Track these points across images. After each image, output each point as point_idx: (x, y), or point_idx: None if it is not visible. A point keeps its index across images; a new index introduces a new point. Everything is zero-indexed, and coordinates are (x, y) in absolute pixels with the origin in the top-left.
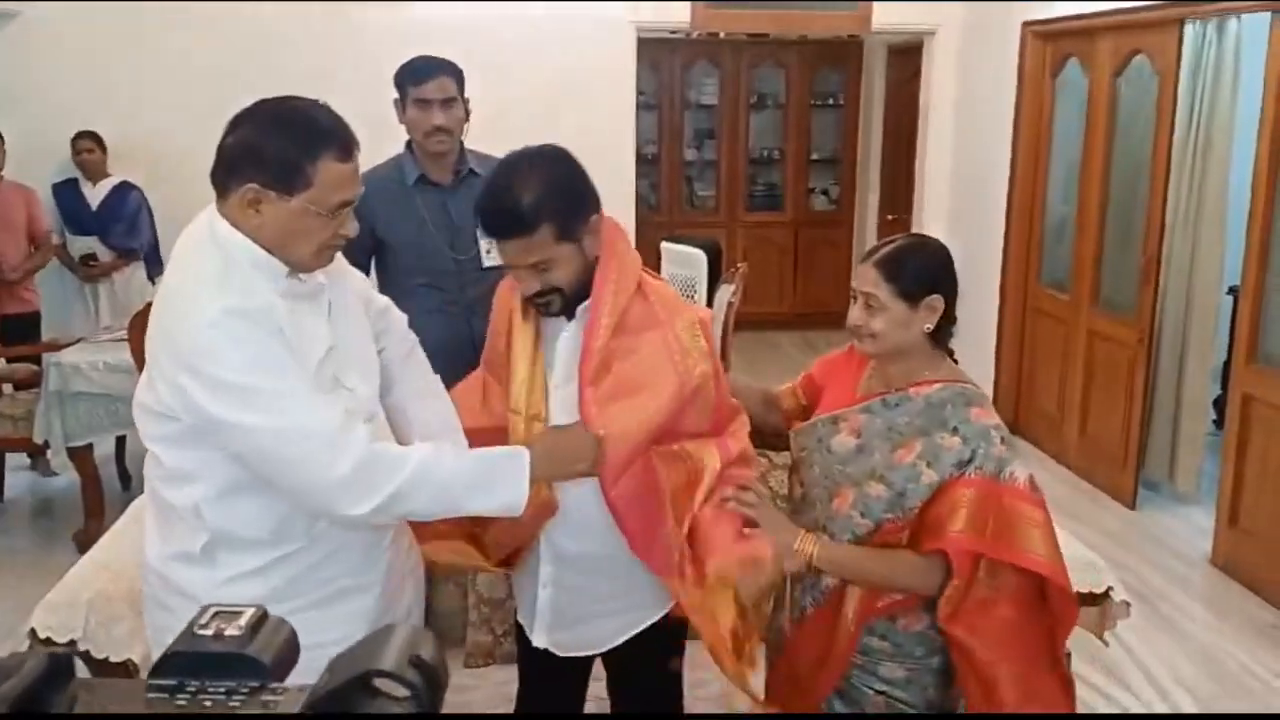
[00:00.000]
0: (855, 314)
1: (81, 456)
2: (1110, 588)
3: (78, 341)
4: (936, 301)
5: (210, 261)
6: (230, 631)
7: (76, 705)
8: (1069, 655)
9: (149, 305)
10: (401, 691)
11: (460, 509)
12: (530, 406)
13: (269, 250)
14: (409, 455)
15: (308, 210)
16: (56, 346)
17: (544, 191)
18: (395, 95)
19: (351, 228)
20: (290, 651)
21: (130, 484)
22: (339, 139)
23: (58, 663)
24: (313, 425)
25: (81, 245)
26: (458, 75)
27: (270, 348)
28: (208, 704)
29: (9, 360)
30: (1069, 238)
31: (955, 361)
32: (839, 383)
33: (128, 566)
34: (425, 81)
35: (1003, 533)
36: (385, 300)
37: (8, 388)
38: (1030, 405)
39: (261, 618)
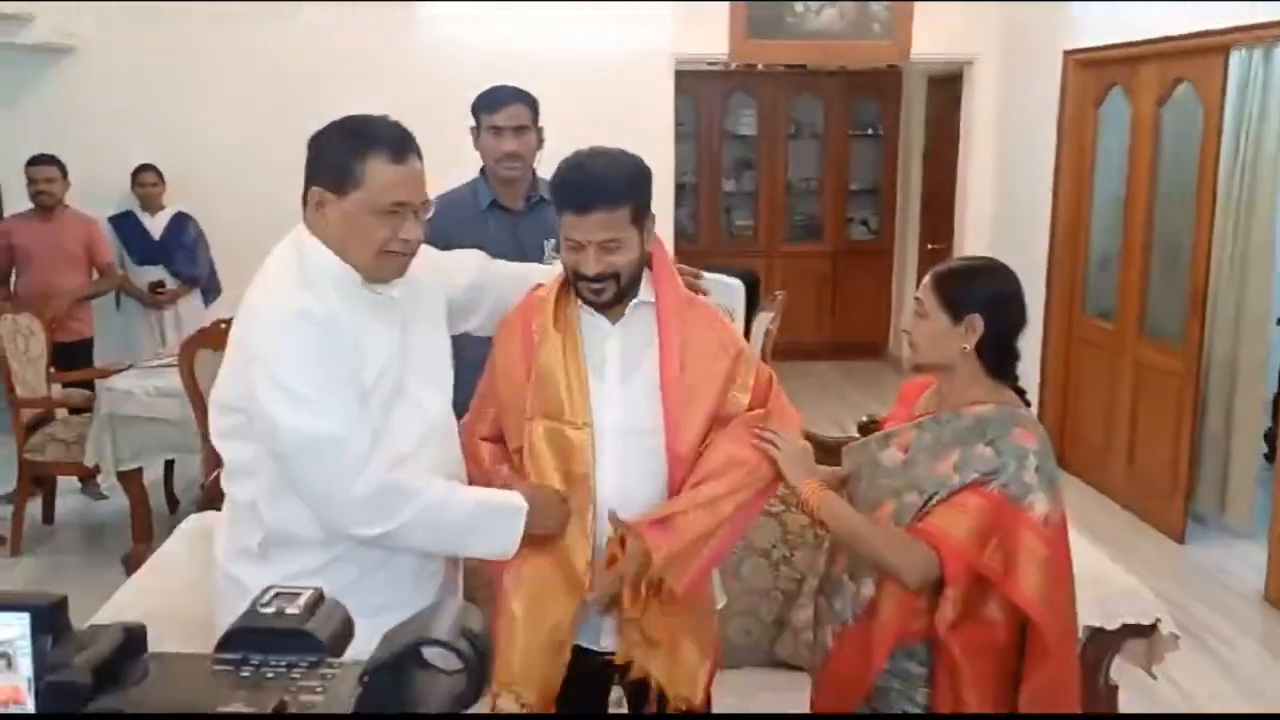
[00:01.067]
0: (906, 318)
1: (131, 480)
2: (1158, 619)
3: (129, 367)
4: (976, 322)
5: (290, 265)
6: (290, 610)
7: (149, 675)
8: (1116, 688)
9: (200, 332)
10: (454, 662)
11: (455, 551)
12: (576, 414)
13: (341, 255)
14: (421, 492)
15: (360, 209)
16: (108, 372)
17: (629, 172)
18: (465, 124)
19: (411, 232)
20: (346, 630)
21: (178, 508)
22: (389, 141)
23: (132, 635)
24: (344, 441)
25: (146, 274)
26: (532, 104)
27: (328, 356)
28: (270, 676)
29: (63, 385)
30: (1114, 267)
31: (1027, 403)
32: (905, 408)
33: (173, 588)
34: (499, 109)
35: (1004, 558)
36: (473, 264)
37: (61, 412)
38: (1076, 436)
39: (319, 598)
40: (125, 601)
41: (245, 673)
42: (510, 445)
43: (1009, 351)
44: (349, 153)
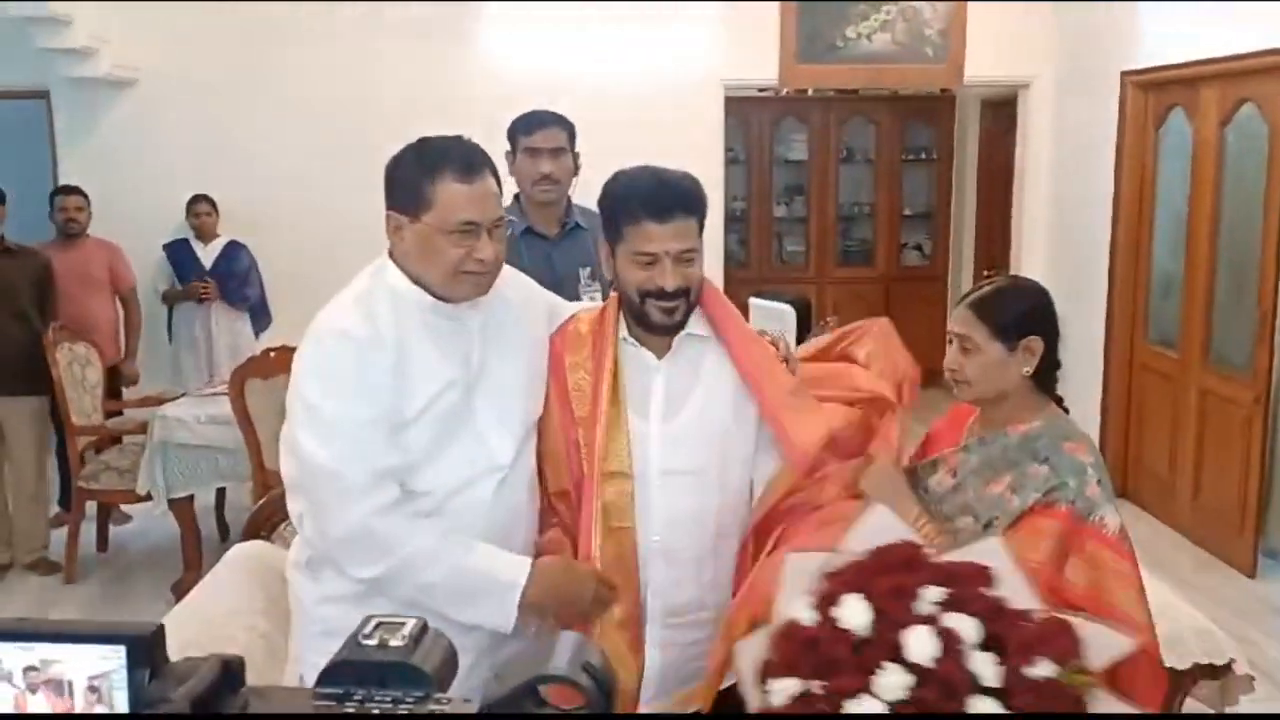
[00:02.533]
0: (950, 357)
1: (182, 508)
2: (1232, 660)
3: (182, 395)
4: (1035, 343)
5: (355, 286)
6: (394, 642)
7: (247, 708)
8: None
9: (250, 361)
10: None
11: (446, 616)
12: (614, 463)
13: (420, 278)
14: (403, 546)
15: (433, 231)
16: (160, 401)
17: (697, 184)
18: (507, 148)
19: (485, 251)
20: (451, 661)
21: (228, 535)
22: (459, 160)
23: (230, 667)
24: (337, 475)
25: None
26: (569, 128)
27: (355, 379)
28: (375, 711)
29: (106, 414)
30: (1177, 293)
31: (1066, 411)
32: (950, 435)
33: (218, 615)
34: (535, 131)
35: (1087, 580)
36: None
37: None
38: (1139, 468)
39: (423, 629)
40: (169, 629)
41: (349, 708)
42: (550, 489)
43: (1054, 364)
44: (419, 175)
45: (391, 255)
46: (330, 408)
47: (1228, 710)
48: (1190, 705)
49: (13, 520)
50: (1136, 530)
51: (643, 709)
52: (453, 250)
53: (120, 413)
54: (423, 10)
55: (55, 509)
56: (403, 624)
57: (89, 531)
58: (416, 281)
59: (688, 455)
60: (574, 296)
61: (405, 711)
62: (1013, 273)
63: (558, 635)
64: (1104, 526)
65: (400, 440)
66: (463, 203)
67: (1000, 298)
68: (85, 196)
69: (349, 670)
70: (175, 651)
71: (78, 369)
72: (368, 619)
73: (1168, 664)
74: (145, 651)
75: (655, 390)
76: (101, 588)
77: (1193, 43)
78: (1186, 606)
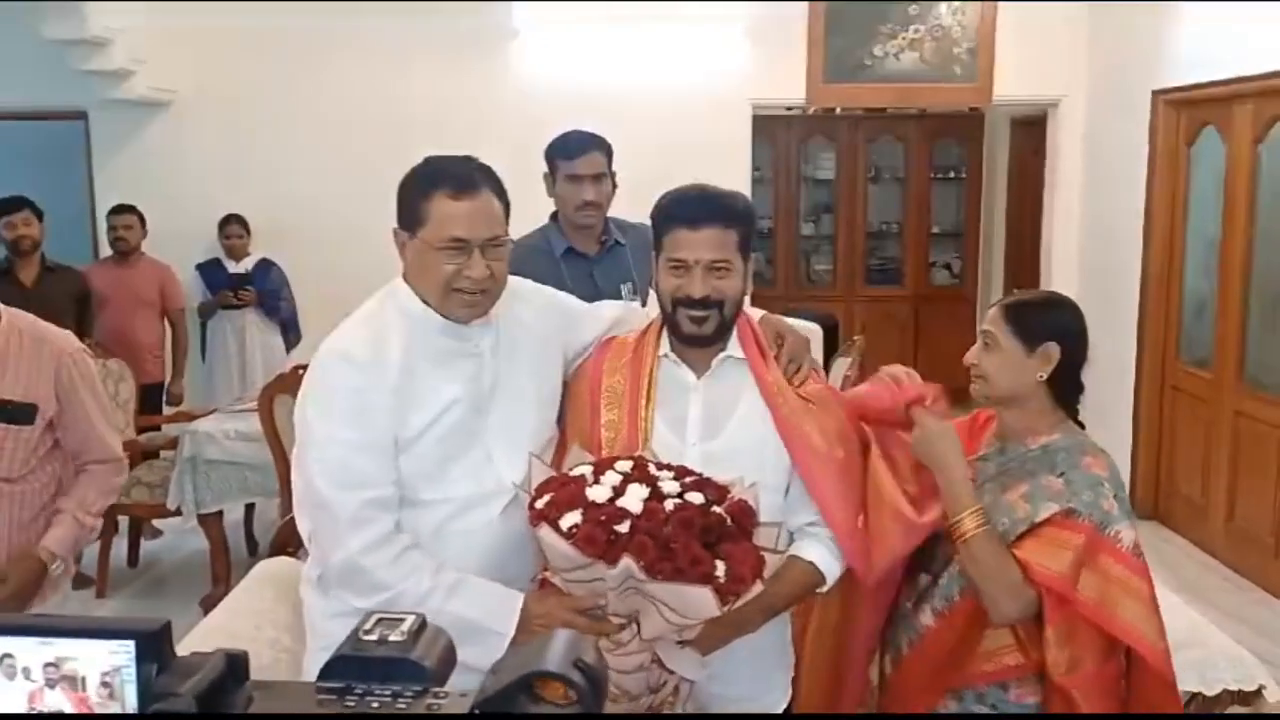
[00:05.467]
0: (972, 352)
1: (211, 523)
2: (1262, 686)
3: (212, 412)
4: (1053, 349)
5: (366, 307)
6: (394, 637)
7: (252, 705)
8: None
9: (279, 378)
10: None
11: None
12: None
13: (423, 297)
14: (392, 584)
15: (425, 247)
16: (191, 416)
17: (741, 200)
18: (544, 169)
19: (475, 270)
20: (449, 657)
21: (257, 550)
22: (453, 178)
23: (235, 663)
24: (331, 499)
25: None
26: (607, 150)
27: (349, 402)
28: (375, 705)
29: (138, 431)
30: (1210, 313)
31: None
32: (967, 441)
33: (242, 631)
34: (577, 157)
35: (1097, 592)
36: (608, 315)
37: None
38: (1172, 490)
39: (422, 624)
40: (194, 645)
41: (350, 702)
42: None
43: (1076, 384)
44: (417, 192)
45: (405, 276)
46: (323, 430)
47: None
48: None
49: None
50: (1168, 553)
51: None
52: (444, 267)
53: (158, 428)
54: (455, 29)
55: None
56: (402, 620)
57: (120, 546)
58: (426, 301)
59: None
60: None
61: (403, 706)
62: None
63: (554, 635)
64: (1119, 541)
65: (402, 460)
66: (452, 219)
67: (1029, 301)
68: (139, 215)
69: (350, 665)
70: None
71: (111, 385)
72: (368, 615)
73: (1196, 689)
74: (154, 647)
75: (693, 410)
76: (132, 602)
77: (1225, 61)
78: (1217, 631)
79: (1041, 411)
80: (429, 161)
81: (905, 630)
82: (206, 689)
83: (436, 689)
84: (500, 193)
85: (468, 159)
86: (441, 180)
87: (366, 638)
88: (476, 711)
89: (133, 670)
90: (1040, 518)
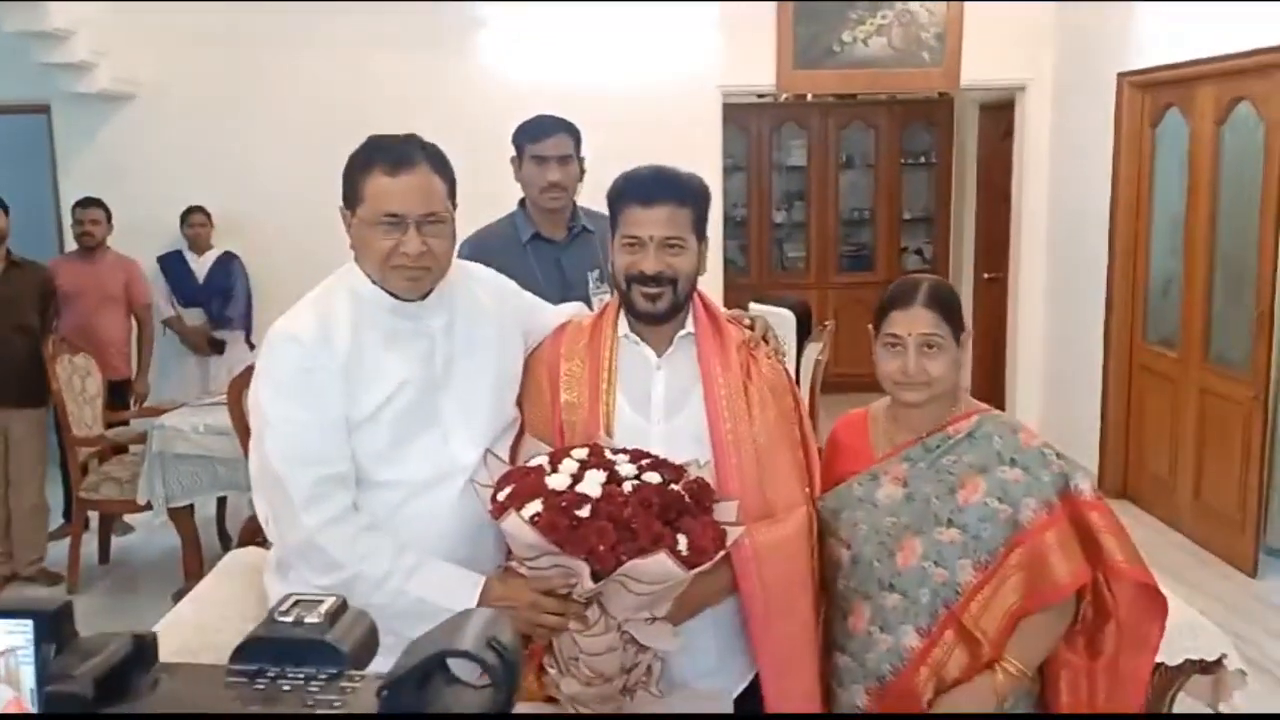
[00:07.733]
0: (913, 362)
1: (182, 517)
2: (1224, 655)
3: (180, 406)
4: (967, 333)
5: (321, 288)
6: (310, 619)
7: (158, 687)
8: None
9: (247, 370)
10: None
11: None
12: None
13: (370, 274)
14: (351, 562)
15: (363, 223)
16: (158, 411)
17: (695, 180)
18: (512, 153)
19: (411, 245)
20: (370, 640)
21: (229, 545)
22: (389, 155)
23: (142, 644)
24: (285, 476)
25: (190, 316)
26: (575, 134)
27: (299, 382)
28: (286, 689)
29: (106, 425)
30: (1175, 292)
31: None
32: (848, 448)
33: (210, 621)
34: (543, 139)
35: (1089, 547)
36: (562, 312)
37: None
38: (1140, 468)
39: (341, 607)
40: (161, 635)
41: (260, 684)
42: None
43: None
44: (356, 170)
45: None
46: (274, 410)
47: (1221, 708)
48: (1185, 703)
49: (13, 532)
50: (1136, 530)
51: None
52: (380, 242)
53: (126, 423)
54: (420, 20)
55: (59, 520)
56: (320, 601)
57: (91, 543)
58: (375, 281)
59: (687, 454)
60: (584, 300)
61: (315, 689)
62: (1005, 274)
63: (471, 614)
64: (1081, 493)
65: (356, 441)
66: (387, 195)
67: (946, 294)
68: (105, 209)
69: (264, 647)
70: (169, 658)
71: (78, 380)
72: (286, 596)
73: (1160, 659)
74: (53, 626)
75: (656, 389)
76: (104, 598)
77: (1188, 42)
78: (1182, 604)
79: (954, 395)
80: (369, 140)
81: (886, 656)
82: (107, 671)
83: (352, 672)
84: (442, 170)
85: (410, 137)
86: (378, 157)
87: (282, 619)
88: (385, 693)
89: (31, 651)
90: (1026, 519)
